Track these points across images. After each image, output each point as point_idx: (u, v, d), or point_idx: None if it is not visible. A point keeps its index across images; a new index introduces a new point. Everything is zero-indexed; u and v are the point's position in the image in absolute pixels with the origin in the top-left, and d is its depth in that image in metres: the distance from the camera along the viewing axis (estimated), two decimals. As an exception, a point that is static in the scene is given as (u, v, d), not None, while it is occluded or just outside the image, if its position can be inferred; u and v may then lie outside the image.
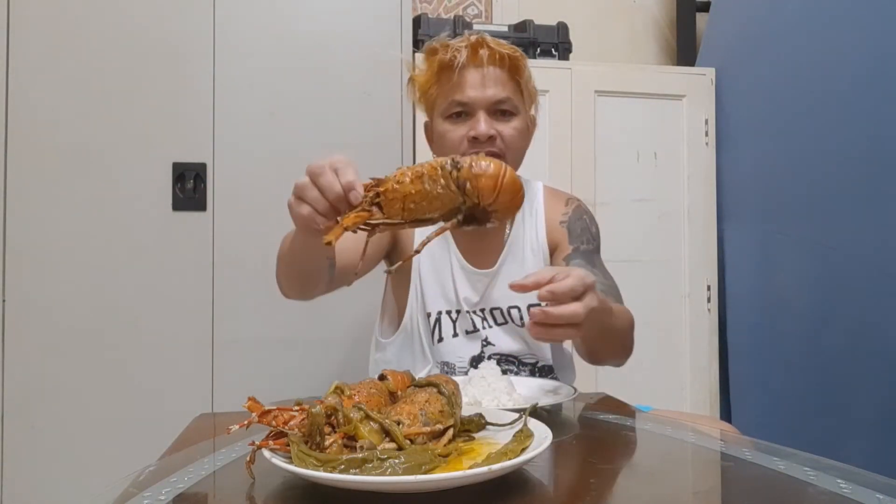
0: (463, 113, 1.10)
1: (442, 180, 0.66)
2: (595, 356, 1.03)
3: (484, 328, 1.16)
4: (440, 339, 1.15)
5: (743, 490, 0.61)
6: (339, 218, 0.68)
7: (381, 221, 0.68)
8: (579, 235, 1.18)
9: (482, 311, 1.16)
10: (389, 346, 1.20)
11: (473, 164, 0.66)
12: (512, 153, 1.10)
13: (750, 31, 2.18)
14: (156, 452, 0.77)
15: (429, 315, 1.16)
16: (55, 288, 1.63)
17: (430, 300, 1.16)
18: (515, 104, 1.11)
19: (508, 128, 1.10)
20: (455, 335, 1.16)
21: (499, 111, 1.09)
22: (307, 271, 0.98)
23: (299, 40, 1.76)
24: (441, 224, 0.70)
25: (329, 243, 0.65)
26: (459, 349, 1.15)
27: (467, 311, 1.16)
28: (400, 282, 1.20)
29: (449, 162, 0.66)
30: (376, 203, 0.67)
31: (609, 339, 0.97)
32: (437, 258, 1.18)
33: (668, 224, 2.24)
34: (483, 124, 1.07)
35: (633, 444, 0.80)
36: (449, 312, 1.16)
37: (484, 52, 1.08)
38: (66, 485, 1.59)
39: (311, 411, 0.56)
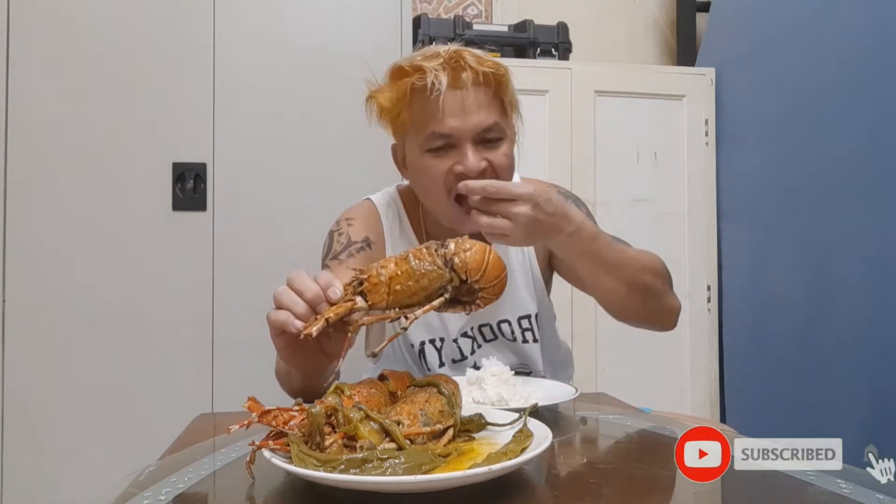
0: (445, 145, 0.95)
1: (428, 257, 0.66)
2: (604, 294, 0.97)
3: (474, 351, 1.11)
4: (428, 369, 1.11)
5: (743, 490, 0.61)
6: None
7: (364, 309, 0.65)
8: None
9: (472, 329, 1.11)
10: (375, 373, 1.17)
11: (459, 241, 0.68)
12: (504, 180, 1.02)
13: (750, 31, 2.18)
14: (156, 452, 0.77)
15: (412, 346, 1.11)
16: (55, 288, 1.63)
17: (411, 330, 1.08)
18: (503, 127, 0.97)
19: (498, 155, 0.96)
20: (441, 364, 1.11)
21: (486, 139, 0.95)
22: (310, 387, 0.92)
23: (299, 40, 1.76)
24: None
25: (309, 335, 0.62)
26: None
27: (453, 340, 1.10)
28: None
29: (434, 243, 0.68)
30: (360, 292, 0.65)
31: (611, 271, 0.91)
32: None
33: (668, 224, 2.24)
34: (471, 158, 0.93)
35: (633, 444, 0.80)
36: (433, 341, 1.10)
37: (467, 75, 0.92)
38: (66, 485, 1.59)
39: (311, 411, 0.56)
